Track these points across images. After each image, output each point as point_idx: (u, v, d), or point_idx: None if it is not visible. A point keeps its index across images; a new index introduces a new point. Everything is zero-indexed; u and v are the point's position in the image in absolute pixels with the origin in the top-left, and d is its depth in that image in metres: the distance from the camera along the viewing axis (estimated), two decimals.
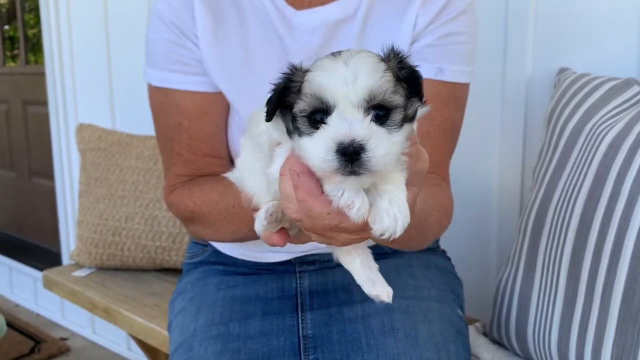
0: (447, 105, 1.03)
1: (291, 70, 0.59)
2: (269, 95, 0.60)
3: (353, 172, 0.52)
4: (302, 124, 0.55)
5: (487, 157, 1.54)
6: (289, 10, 1.01)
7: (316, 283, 1.08)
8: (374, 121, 0.53)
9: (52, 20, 2.74)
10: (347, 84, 0.52)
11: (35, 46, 3.62)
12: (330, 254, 1.07)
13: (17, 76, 3.66)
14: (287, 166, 0.59)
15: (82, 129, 2.09)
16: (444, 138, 1.03)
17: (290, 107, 0.58)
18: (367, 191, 0.57)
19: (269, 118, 0.59)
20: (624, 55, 1.30)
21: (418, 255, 1.15)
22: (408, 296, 1.03)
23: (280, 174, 0.60)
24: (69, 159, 2.84)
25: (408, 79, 0.58)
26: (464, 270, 1.30)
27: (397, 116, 0.55)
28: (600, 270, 1.01)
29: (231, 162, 1.11)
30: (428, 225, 0.89)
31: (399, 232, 0.57)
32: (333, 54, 0.57)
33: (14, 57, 3.83)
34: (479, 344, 1.27)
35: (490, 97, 1.51)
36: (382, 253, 1.12)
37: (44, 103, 3.00)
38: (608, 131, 1.07)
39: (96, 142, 2.04)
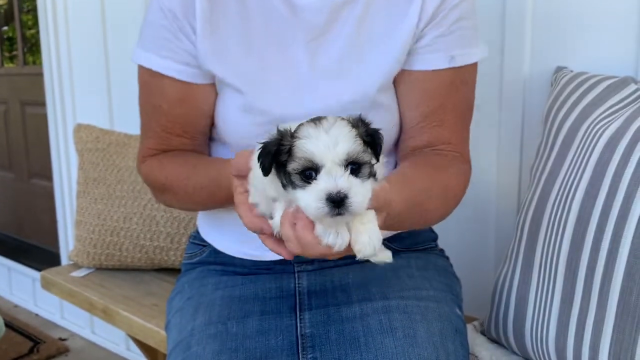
0: (459, 90, 1.07)
1: (281, 135, 0.74)
2: (259, 150, 0.75)
3: (339, 214, 0.69)
4: (296, 179, 0.71)
5: (485, 156, 1.55)
6: None
7: (314, 283, 1.08)
8: (350, 174, 0.70)
9: (50, 21, 2.74)
10: (330, 149, 0.69)
11: (33, 47, 3.62)
12: None
13: (15, 77, 3.66)
14: (287, 214, 0.75)
15: (79, 129, 2.09)
16: (458, 119, 1.08)
17: (282, 164, 0.73)
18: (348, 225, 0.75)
19: (265, 174, 0.75)
20: (620, 54, 1.30)
21: (416, 255, 1.15)
22: (406, 296, 1.04)
23: (281, 222, 0.75)
24: (67, 160, 2.84)
25: (370, 143, 0.74)
26: (462, 268, 1.30)
27: (366, 169, 0.73)
28: (598, 268, 1.01)
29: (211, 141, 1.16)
30: (425, 211, 0.99)
31: (376, 252, 0.75)
32: (314, 122, 0.72)
33: (12, 58, 3.83)
34: (477, 343, 1.27)
35: (488, 95, 1.51)
36: None
37: (42, 104, 3.00)
38: (605, 129, 1.07)
39: (94, 143, 2.04)
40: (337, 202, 0.68)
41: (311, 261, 1.11)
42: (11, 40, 3.80)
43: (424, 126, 1.06)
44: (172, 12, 1.03)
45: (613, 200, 1.01)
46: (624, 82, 1.18)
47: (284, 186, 0.73)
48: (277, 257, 1.10)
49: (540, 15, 1.42)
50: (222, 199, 1.01)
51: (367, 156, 0.72)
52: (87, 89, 2.67)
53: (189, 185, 1.05)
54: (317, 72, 1.03)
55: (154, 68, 1.06)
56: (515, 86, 1.47)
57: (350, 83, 1.03)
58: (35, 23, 3.22)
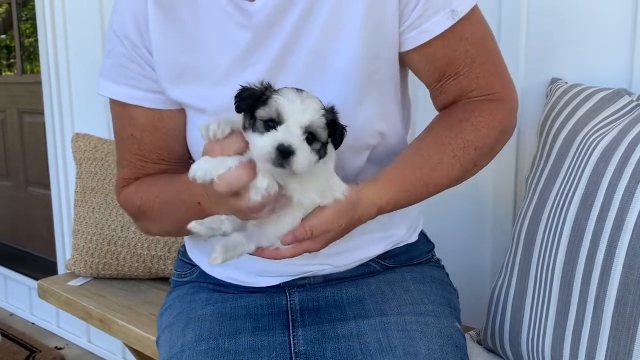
0: (470, 37, 0.99)
1: (265, 87, 0.80)
2: (238, 92, 0.80)
3: (280, 165, 0.75)
4: (259, 125, 0.77)
5: None
6: (244, 3, 0.96)
7: (307, 299, 1.06)
8: (305, 141, 0.77)
9: (49, 30, 2.75)
10: (298, 113, 0.76)
11: (31, 55, 3.63)
12: (320, 277, 1.07)
13: (13, 85, 3.66)
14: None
15: (77, 138, 2.10)
16: (475, 63, 1.00)
17: (252, 109, 0.79)
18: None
19: (238, 112, 0.80)
20: (614, 66, 1.31)
21: (411, 268, 1.13)
22: (404, 312, 1.01)
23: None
24: (64, 169, 2.84)
25: (332, 132, 0.80)
26: (458, 278, 1.30)
27: (318, 145, 0.79)
28: (593, 279, 1.02)
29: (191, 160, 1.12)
30: (434, 185, 0.97)
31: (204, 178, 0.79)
32: (297, 90, 0.79)
33: (10, 66, 3.84)
34: (474, 353, 1.28)
35: None
36: (373, 272, 1.11)
37: (40, 112, 3.00)
38: (599, 141, 1.08)
39: (92, 152, 2.04)
40: (284, 154, 0.74)
41: (302, 284, 1.08)
42: (9, 48, 3.81)
43: (443, 84, 1.03)
44: (127, 38, 1.00)
45: (607, 211, 1.01)
46: (617, 94, 1.19)
47: (244, 127, 0.80)
48: (268, 284, 1.07)
49: (535, 27, 1.43)
50: (189, 215, 0.91)
51: (323, 136, 0.79)
52: (86, 98, 2.68)
53: (159, 204, 1.02)
54: (287, 75, 0.97)
55: (119, 98, 1.04)
56: None
57: (327, 79, 0.96)
58: (34, 31, 3.23)
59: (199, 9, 0.99)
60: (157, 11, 0.99)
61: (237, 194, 0.80)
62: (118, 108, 1.07)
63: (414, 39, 0.98)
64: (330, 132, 0.81)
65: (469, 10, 0.97)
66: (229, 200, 0.81)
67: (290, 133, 0.75)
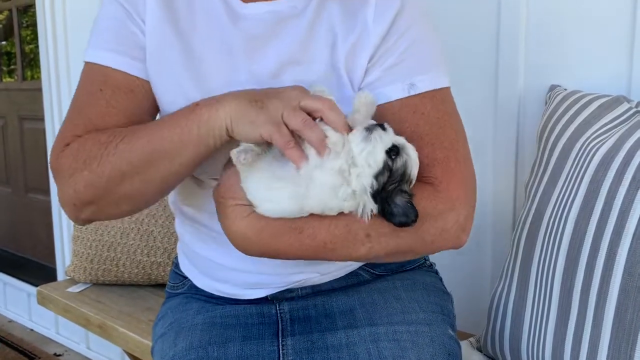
0: (427, 113, 0.95)
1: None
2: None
3: (368, 129, 0.82)
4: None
5: (480, 173, 1.53)
6: (236, 2, 0.97)
7: (297, 309, 1.05)
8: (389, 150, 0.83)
9: (49, 36, 2.76)
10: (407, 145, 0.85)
11: (32, 62, 3.64)
12: (308, 288, 1.06)
13: (14, 92, 3.68)
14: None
15: None
16: (423, 141, 0.93)
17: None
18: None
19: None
20: (613, 73, 1.32)
21: (402, 276, 1.11)
22: (395, 321, 1.00)
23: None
24: None
25: (391, 208, 0.83)
26: (458, 284, 1.30)
27: (385, 175, 0.83)
28: (593, 286, 1.02)
29: None
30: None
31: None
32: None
33: (10, 73, 3.85)
34: None
35: (483, 113, 1.53)
36: (363, 281, 1.09)
37: (40, 118, 3.01)
38: (599, 147, 1.09)
39: None
40: (380, 125, 0.82)
41: (291, 297, 1.06)
42: (10, 55, 3.82)
43: None
44: (122, 5, 0.97)
45: (607, 218, 1.02)
46: (616, 101, 1.19)
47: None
48: (255, 296, 1.06)
49: (534, 34, 1.44)
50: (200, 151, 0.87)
51: (396, 177, 0.83)
52: None
53: (158, 132, 0.88)
54: (256, 82, 0.96)
55: (101, 62, 0.96)
56: (509, 104, 1.48)
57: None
58: (35, 38, 3.24)
59: (194, 5, 0.99)
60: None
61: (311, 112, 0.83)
62: (90, 68, 0.98)
63: None
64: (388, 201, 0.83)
65: (431, 89, 0.95)
66: (301, 112, 0.82)
67: (391, 130, 0.83)
